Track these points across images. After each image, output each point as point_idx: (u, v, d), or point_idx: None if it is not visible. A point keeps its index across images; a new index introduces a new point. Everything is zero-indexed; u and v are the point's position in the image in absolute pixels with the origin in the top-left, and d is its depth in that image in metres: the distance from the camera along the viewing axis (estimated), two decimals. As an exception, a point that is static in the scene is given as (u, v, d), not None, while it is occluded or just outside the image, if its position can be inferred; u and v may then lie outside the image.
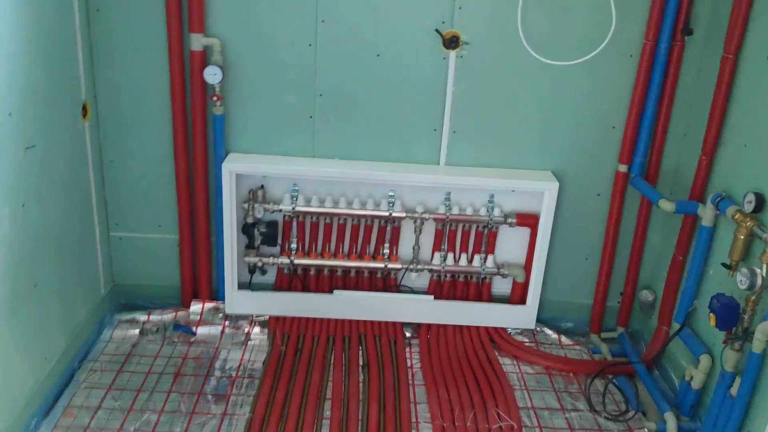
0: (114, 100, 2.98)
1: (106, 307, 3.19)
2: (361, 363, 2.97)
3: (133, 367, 2.89)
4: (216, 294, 3.28)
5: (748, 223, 2.36)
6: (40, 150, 2.46)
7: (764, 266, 2.27)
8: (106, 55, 2.91)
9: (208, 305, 3.23)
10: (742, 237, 2.39)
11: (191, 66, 2.88)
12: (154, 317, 3.19)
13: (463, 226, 3.18)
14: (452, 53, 2.92)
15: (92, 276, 3.07)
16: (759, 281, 2.28)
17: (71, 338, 2.81)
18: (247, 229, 3.11)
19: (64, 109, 2.68)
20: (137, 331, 3.12)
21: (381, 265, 3.20)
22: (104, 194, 3.13)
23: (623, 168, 3.05)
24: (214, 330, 3.15)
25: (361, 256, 3.22)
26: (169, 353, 3.00)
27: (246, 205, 3.08)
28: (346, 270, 3.24)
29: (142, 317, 3.18)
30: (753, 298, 2.32)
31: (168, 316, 3.20)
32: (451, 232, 3.19)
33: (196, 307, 3.22)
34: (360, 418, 2.64)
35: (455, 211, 3.13)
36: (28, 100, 2.36)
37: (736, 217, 2.41)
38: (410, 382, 2.88)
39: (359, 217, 3.14)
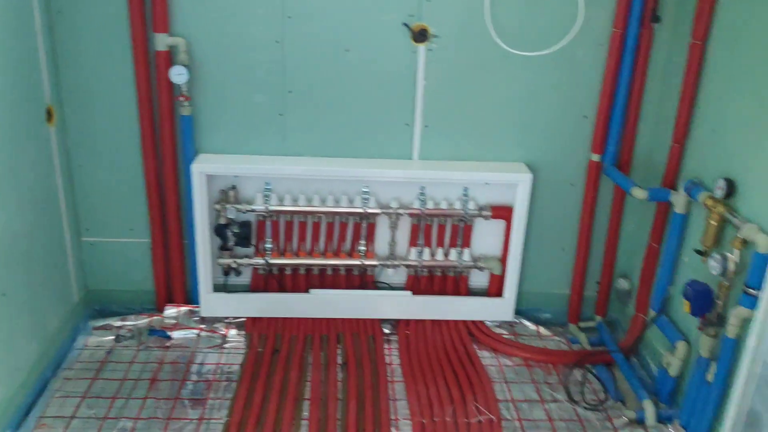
0: (80, 104, 2.93)
1: (80, 314, 3.14)
2: (339, 362, 2.95)
3: (108, 374, 2.85)
4: (191, 297, 3.25)
5: (720, 209, 2.37)
6: (2, 156, 2.40)
7: (736, 252, 2.28)
8: (71, 58, 2.85)
9: (183, 309, 3.19)
10: (714, 223, 2.40)
11: (157, 66, 2.84)
12: (129, 323, 3.14)
13: (439, 220, 3.17)
14: (421, 47, 2.90)
15: (64, 283, 3.02)
16: (731, 267, 2.29)
17: (44, 347, 2.76)
18: (220, 231, 3.08)
19: (26, 113, 2.62)
20: (112, 337, 3.08)
21: (357, 262, 3.17)
22: (74, 199, 3.08)
23: (596, 157, 3.04)
24: (190, 334, 3.11)
25: (336, 254, 3.20)
26: (145, 359, 2.96)
27: (218, 206, 3.04)
28: (322, 268, 3.22)
29: (116, 323, 3.14)
30: (726, 283, 2.33)
31: (143, 321, 3.15)
32: (426, 226, 3.17)
33: (171, 311, 3.18)
34: (339, 417, 2.62)
35: (430, 205, 3.11)
36: (-13, 105, 2.31)
37: (708, 203, 2.42)
38: (389, 378, 2.87)
39: (333, 214, 3.11)
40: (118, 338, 3.07)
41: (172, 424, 2.58)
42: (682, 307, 2.48)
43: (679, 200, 2.66)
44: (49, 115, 2.79)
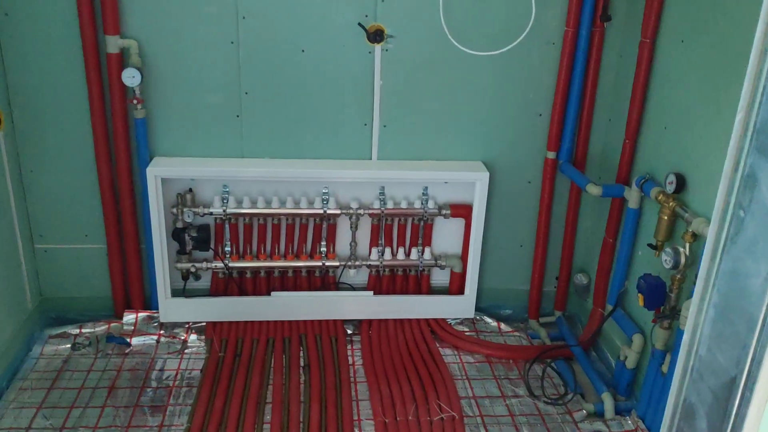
0: (30, 108, 2.86)
1: (35, 323, 3.07)
2: (302, 364, 2.93)
3: (66, 383, 2.79)
4: (149, 303, 3.20)
5: (671, 204, 2.42)
6: (-53, 163, 2.34)
7: (687, 245, 2.33)
8: (19, 61, 2.78)
9: (142, 315, 3.14)
10: (666, 217, 2.45)
11: (108, 69, 2.78)
12: (86, 330, 3.08)
13: (399, 219, 3.17)
14: (377, 47, 2.90)
15: (17, 291, 2.95)
16: (682, 260, 2.35)
17: (-3, 357, 2.70)
18: (177, 235, 3.04)
19: (-27, 119, 2.56)
20: (69, 345, 3.01)
21: (318, 263, 3.16)
22: (26, 206, 3.00)
23: (551, 155, 3.08)
24: (149, 340, 3.06)
25: (297, 256, 3.18)
26: (103, 366, 2.91)
27: (175, 210, 3.00)
28: (283, 270, 3.20)
29: (73, 331, 3.08)
30: (678, 276, 2.38)
31: (101, 328, 3.10)
32: (387, 226, 3.17)
33: (129, 317, 3.13)
34: (301, 419, 2.61)
35: (390, 205, 3.12)
36: (-70, 111, 2.24)
37: (659, 198, 2.47)
38: (352, 379, 2.86)
39: (293, 216, 3.09)
40: (75, 346, 3.01)
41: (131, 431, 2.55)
42: (637, 301, 2.53)
43: (632, 196, 2.71)
44: (-3, 120, 2.72)
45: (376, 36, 2.87)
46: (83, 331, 3.08)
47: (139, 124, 2.88)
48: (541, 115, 3.05)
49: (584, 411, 2.72)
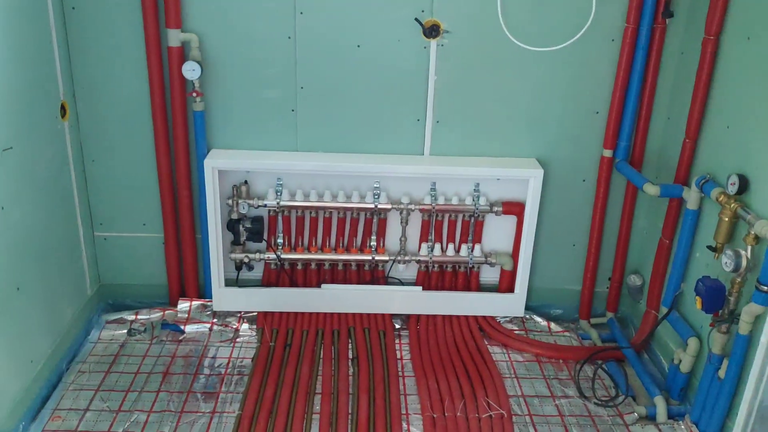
0: (93, 99, 2.95)
1: (93, 308, 3.17)
2: (350, 356, 2.96)
3: (122, 368, 2.87)
4: (203, 291, 3.27)
5: (732, 205, 2.35)
6: (17, 151, 2.43)
7: (749, 248, 2.27)
8: (84, 54, 2.87)
9: (196, 303, 3.21)
10: (727, 219, 2.39)
11: (169, 62, 2.85)
12: (142, 317, 3.17)
13: (450, 215, 3.17)
14: (433, 42, 2.90)
15: (78, 277, 3.04)
16: (744, 263, 2.28)
17: (58, 340, 2.79)
18: (232, 226, 3.09)
19: (41, 109, 2.65)
20: (125, 331, 3.10)
21: (368, 257, 3.18)
22: (87, 194, 3.10)
23: (608, 153, 3.04)
24: (202, 328, 3.13)
25: (347, 249, 3.21)
26: (158, 352, 2.98)
27: (230, 201, 3.06)
28: (334, 263, 3.23)
29: (129, 317, 3.17)
30: (738, 280, 2.32)
31: (156, 315, 3.18)
32: (437, 222, 3.17)
33: (183, 305, 3.21)
34: (350, 411, 2.63)
35: (441, 201, 3.12)
36: (2, 101, 2.32)
37: (720, 199, 2.41)
38: (400, 373, 2.88)
39: (345, 209, 3.12)
40: (131, 332, 3.09)
41: (184, 417, 2.60)
42: (693, 304, 2.47)
43: (691, 196, 2.65)
44: (63, 110, 2.81)
45: (432, 31, 2.87)
46: (139, 317, 3.17)
47: (198, 116, 2.94)
48: (598, 112, 3.01)
49: (636, 414, 2.68)
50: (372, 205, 3.08)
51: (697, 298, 2.40)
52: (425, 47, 2.91)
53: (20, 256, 2.48)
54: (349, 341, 3.06)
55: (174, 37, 2.81)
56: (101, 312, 3.20)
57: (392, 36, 2.89)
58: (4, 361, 2.38)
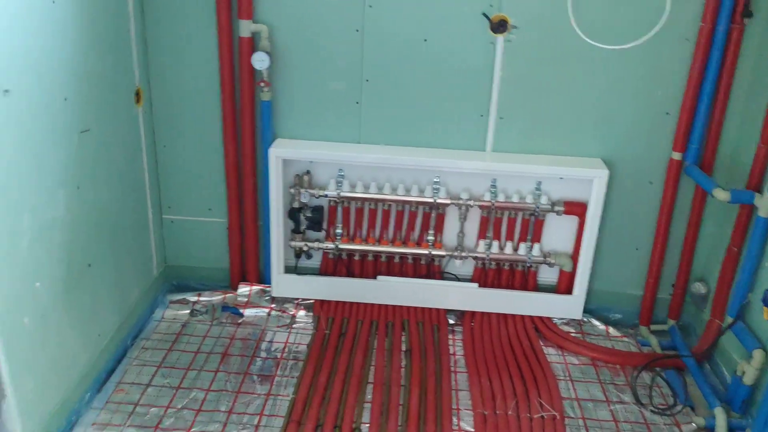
0: (166, 86, 3.05)
1: (159, 288, 3.29)
2: (403, 348, 2.98)
3: (183, 346, 2.98)
4: (263, 277, 3.35)
5: (807, 214, 2.26)
6: (94, 134, 2.54)
7: (823, 259, 2.18)
8: (159, 42, 2.97)
9: (256, 288, 3.30)
10: (801, 228, 2.30)
11: (240, 52, 2.92)
12: (204, 298, 3.27)
13: (509, 213, 3.14)
14: (500, 37, 2.88)
15: (145, 257, 3.17)
16: (817, 275, 2.19)
17: (124, 316, 2.91)
18: (293, 214, 3.16)
19: (118, 94, 2.76)
20: (188, 311, 3.21)
21: (425, 251, 3.19)
22: (158, 178, 3.22)
23: (677, 155, 2.95)
24: (260, 312, 3.21)
25: (404, 243, 3.22)
26: (218, 333, 3.08)
27: (292, 190, 3.12)
28: (390, 256, 3.25)
29: (192, 298, 3.27)
30: (810, 292, 2.23)
31: (217, 298, 3.28)
32: (496, 219, 3.15)
33: (243, 289, 3.29)
34: (401, 402, 2.65)
35: (501, 198, 3.09)
36: (83, 85, 2.43)
37: (795, 207, 2.32)
38: (452, 368, 2.88)
39: (404, 203, 3.14)
40: (193, 312, 3.20)
41: (241, 397, 2.68)
42: (760, 314, 2.39)
43: (763, 204, 2.55)
44: (137, 96, 2.92)
45: (500, 26, 2.85)
46: (201, 299, 3.27)
47: (265, 106, 3.01)
48: (668, 113, 2.93)
49: (694, 424, 2.61)
50: (431, 200, 3.09)
51: (765, 308, 2.32)
52: (492, 43, 2.89)
53: (93, 234, 2.59)
54: (403, 334, 3.08)
55: (245, 28, 2.87)
56: (166, 292, 3.32)
57: (459, 31, 2.89)
58: (74, 333, 2.50)
